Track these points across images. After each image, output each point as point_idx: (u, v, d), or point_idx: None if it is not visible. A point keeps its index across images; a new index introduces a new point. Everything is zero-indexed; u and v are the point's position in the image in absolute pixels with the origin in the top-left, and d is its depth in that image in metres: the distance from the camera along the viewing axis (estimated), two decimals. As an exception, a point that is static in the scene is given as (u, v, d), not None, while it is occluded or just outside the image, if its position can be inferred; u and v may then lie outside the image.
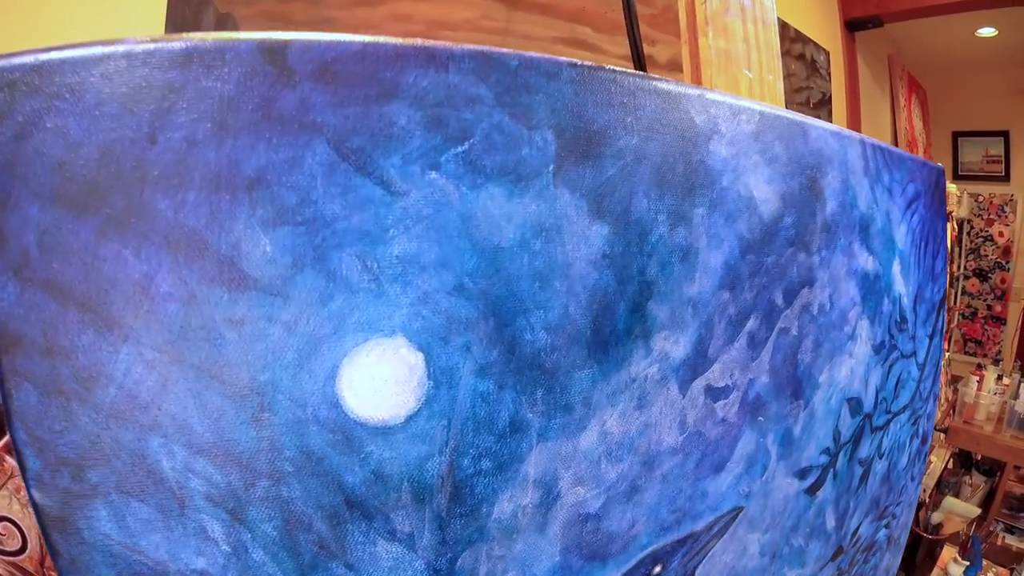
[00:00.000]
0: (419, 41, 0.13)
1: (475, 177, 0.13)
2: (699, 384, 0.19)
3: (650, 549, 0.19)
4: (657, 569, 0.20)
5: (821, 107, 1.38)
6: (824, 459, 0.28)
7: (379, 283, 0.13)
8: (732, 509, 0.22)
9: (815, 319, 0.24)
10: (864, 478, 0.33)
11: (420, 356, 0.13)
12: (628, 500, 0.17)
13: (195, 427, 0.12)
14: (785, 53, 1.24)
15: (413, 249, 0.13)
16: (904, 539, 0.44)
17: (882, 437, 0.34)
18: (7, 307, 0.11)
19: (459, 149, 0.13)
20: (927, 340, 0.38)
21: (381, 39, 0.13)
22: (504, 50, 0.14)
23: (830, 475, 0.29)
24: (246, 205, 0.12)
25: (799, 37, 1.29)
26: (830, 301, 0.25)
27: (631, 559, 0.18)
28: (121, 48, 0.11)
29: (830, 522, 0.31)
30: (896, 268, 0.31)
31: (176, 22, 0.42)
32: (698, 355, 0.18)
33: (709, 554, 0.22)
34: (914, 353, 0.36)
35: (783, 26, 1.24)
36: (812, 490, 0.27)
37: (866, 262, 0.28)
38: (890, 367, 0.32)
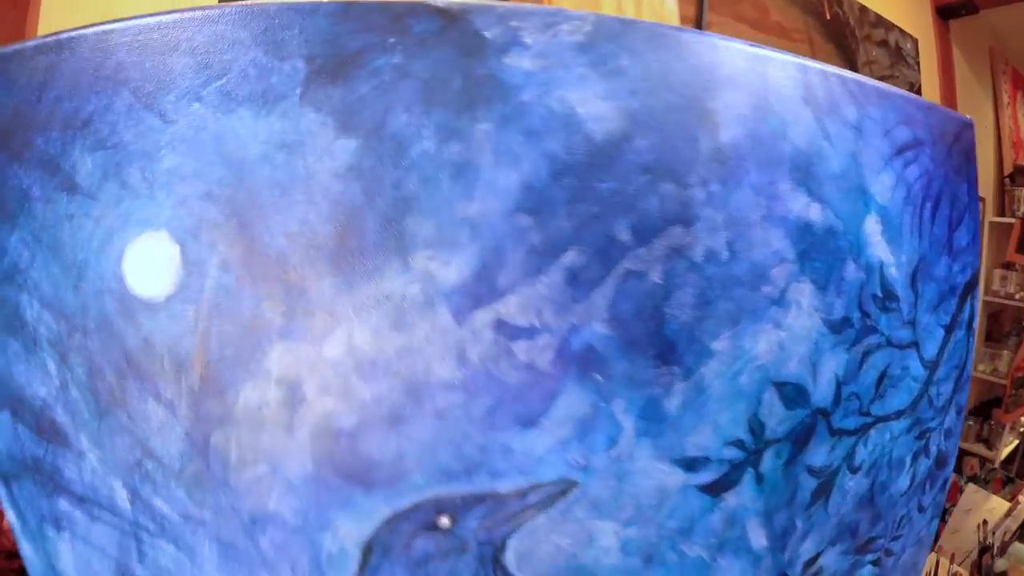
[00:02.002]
0: (198, 8, 0.16)
1: (229, 104, 0.16)
2: (484, 316, 0.17)
3: (431, 494, 0.18)
4: (444, 521, 0.18)
5: (909, 97, 1.19)
6: (734, 454, 0.22)
7: (152, 190, 0.16)
8: (556, 480, 0.19)
9: (699, 268, 0.20)
10: (821, 493, 0.25)
11: (177, 248, 0.16)
12: (390, 428, 0.17)
13: (44, 288, 0.17)
14: (865, 38, 1.09)
15: (176, 164, 0.16)
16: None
17: (855, 445, 0.25)
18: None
19: (217, 84, 0.16)
20: (942, 331, 0.27)
21: (173, 13, 0.16)
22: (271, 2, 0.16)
23: (749, 477, 0.22)
24: (80, 137, 0.16)
25: (880, 22, 1.14)
26: (729, 249, 0.20)
27: (403, 496, 0.17)
28: (24, 45, 0.17)
29: (758, 540, 0.23)
30: (872, 227, 0.24)
31: None
32: (480, 282, 0.17)
33: (528, 528, 0.19)
34: (915, 344, 0.26)
35: (862, 10, 1.09)
36: (713, 490, 0.22)
37: (806, 209, 0.22)
38: (864, 354, 0.24)
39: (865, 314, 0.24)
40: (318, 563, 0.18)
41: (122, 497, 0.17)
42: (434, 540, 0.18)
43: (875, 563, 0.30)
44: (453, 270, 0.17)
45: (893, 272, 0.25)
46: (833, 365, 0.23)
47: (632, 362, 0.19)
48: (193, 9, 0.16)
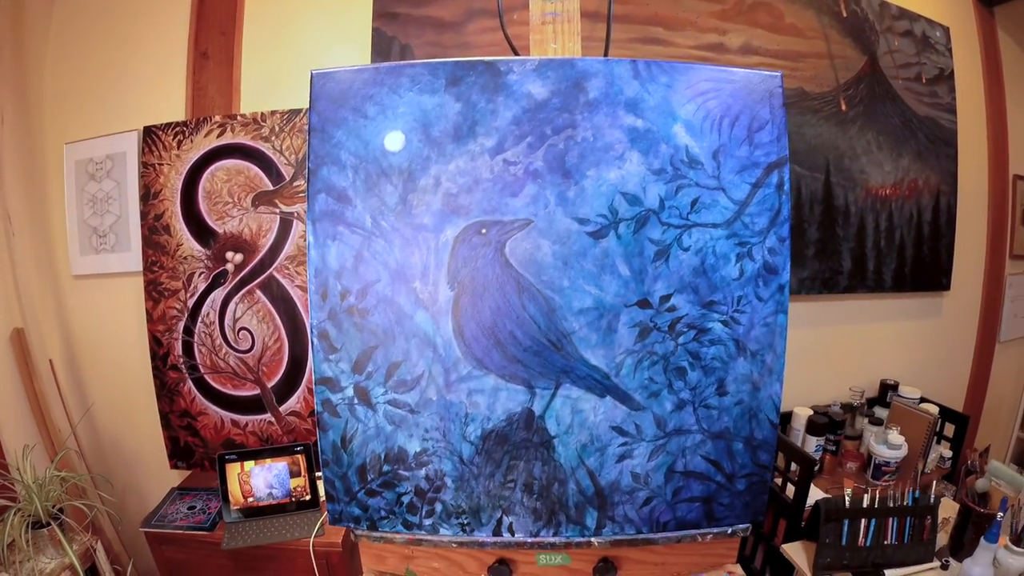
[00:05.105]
0: (403, 63, 0.53)
1: (420, 92, 0.51)
2: (499, 158, 0.50)
3: (478, 219, 0.50)
4: (483, 230, 0.50)
5: (939, 82, 1.28)
6: (603, 220, 0.50)
7: (396, 115, 0.51)
8: (525, 218, 0.50)
9: (579, 143, 0.50)
10: (661, 255, 0.51)
11: (403, 135, 0.51)
12: (469, 192, 0.49)
13: (350, 147, 0.53)
14: (886, 30, 1.24)
15: (403, 109, 0.51)
16: (775, 365, 0.54)
17: (681, 234, 0.51)
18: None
19: (416, 86, 0.52)
20: (748, 186, 0.53)
21: (417, 62, 0.53)
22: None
23: (612, 234, 0.51)
24: (368, 100, 0.52)
25: (904, 14, 1.27)
26: (592, 136, 0.50)
27: (471, 219, 0.50)
28: (339, 69, 0.55)
29: (623, 271, 0.51)
30: (678, 129, 0.52)
31: (377, 52, 0.90)
32: (499, 147, 0.50)
33: (513, 237, 0.50)
34: (721, 188, 0.52)
35: (882, 4, 1.24)
36: (594, 235, 0.50)
37: (634, 121, 0.51)
38: (678, 187, 0.51)
39: (676, 168, 0.52)
40: (437, 247, 0.50)
41: (367, 221, 0.51)
42: (479, 237, 0.50)
43: (725, 324, 0.53)
44: (491, 141, 0.50)
45: (696, 150, 0.52)
46: (656, 189, 0.51)
47: (553, 176, 0.50)
48: (401, 63, 0.52)
